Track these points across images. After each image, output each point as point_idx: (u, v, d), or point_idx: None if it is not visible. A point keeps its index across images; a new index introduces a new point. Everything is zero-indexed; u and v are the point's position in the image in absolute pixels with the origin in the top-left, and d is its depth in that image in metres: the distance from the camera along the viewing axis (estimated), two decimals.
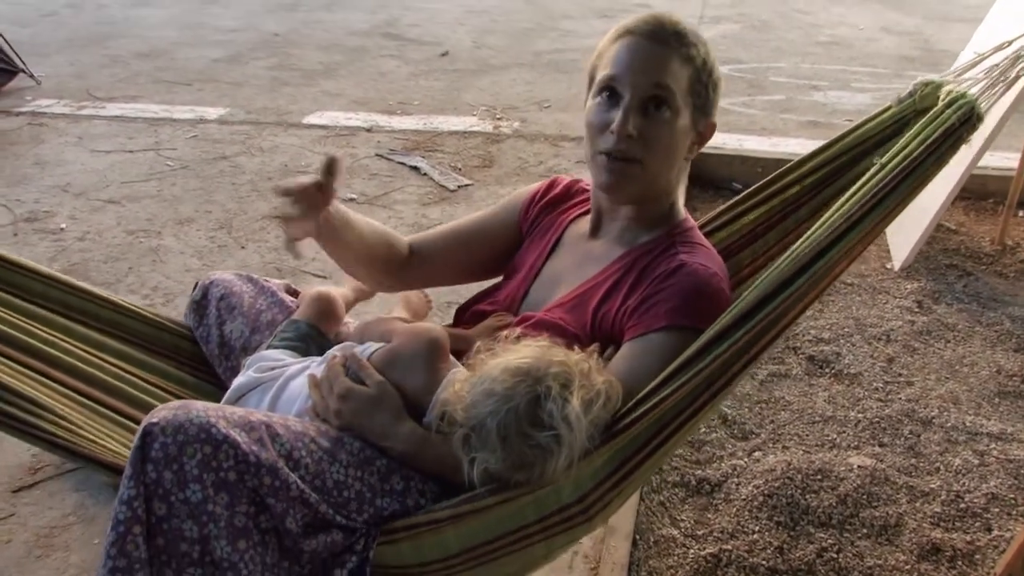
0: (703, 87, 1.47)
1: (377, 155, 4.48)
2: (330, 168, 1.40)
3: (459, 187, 4.07)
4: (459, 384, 1.30)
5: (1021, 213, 3.98)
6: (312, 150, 4.57)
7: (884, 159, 1.40)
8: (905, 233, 3.56)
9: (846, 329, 3.09)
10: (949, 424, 2.59)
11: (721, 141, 4.71)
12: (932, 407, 2.67)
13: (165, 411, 1.19)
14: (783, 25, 7.76)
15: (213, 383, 1.79)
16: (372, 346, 1.52)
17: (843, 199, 1.38)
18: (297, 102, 5.35)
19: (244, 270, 3.26)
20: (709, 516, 2.24)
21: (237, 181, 4.15)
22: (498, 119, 5.03)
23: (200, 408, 1.20)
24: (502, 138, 4.75)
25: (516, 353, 1.28)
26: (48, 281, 1.67)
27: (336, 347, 1.57)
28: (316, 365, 1.54)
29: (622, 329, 1.43)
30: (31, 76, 5.56)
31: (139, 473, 1.15)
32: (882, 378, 2.82)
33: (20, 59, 5.52)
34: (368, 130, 4.85)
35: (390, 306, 2.04)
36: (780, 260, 1.34)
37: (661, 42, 1.43)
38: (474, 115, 5.08)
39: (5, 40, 5.45)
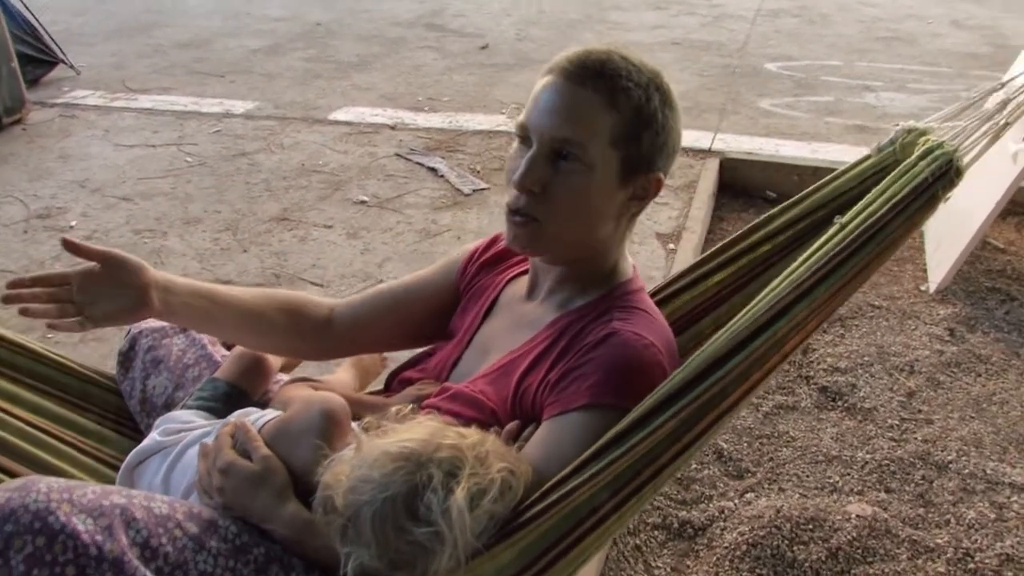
0: (636, 137, 1.27)
1: (396, 154, 4.38)
2: (72, 250, 1.33)
3: (474, 191, 3.94)
4: (340, 465, 1.15)
5: None
6: (333, 148, 4.49)
7: (845, 219, 1.24)
8: (944, 251, 3.32)
9: (866, 358, 2.87)
10: (967, 471, 2.37)
11: (757, 146, 4.49)
12: (950, 450, 2.45)
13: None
14: (843, 19, 7.41)
15: (138, 439, 1.64)
16: (268, 414, 1.38)
17: (794, 265, 1.22)
18: (326, 96, 5.29)
19: (243, 275, 3.23)
20: (688, 563, 2.08)
21: (251, 180, 4.10)
22: None
23: (43, 490, 1.07)
24: None
25: (403, 434, 1.13)
26: None
27: (235, 413, 1.45)
28: (217, 432, 1.41)
29: (542, 406, 1.27)
30: (71, 67, 5.61)
31: None
32: (899, 414, 2.60)
33: (60, 49, 5.58)
34: (392, 127, 4.75)
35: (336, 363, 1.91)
36: (716, 336, 1.18)
37: (579, 83, 1.24)
38: (502, 113, 4.95)
39: (45, 31, 5.50)
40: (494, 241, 1.57)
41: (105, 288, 1.35)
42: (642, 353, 1.24)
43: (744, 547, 2.08)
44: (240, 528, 1.21)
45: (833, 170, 1.47)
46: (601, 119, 1.24)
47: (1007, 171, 3.04)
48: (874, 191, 1.24)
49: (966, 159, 1.22)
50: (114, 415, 1.69)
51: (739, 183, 4.14)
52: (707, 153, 4.29)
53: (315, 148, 4.48)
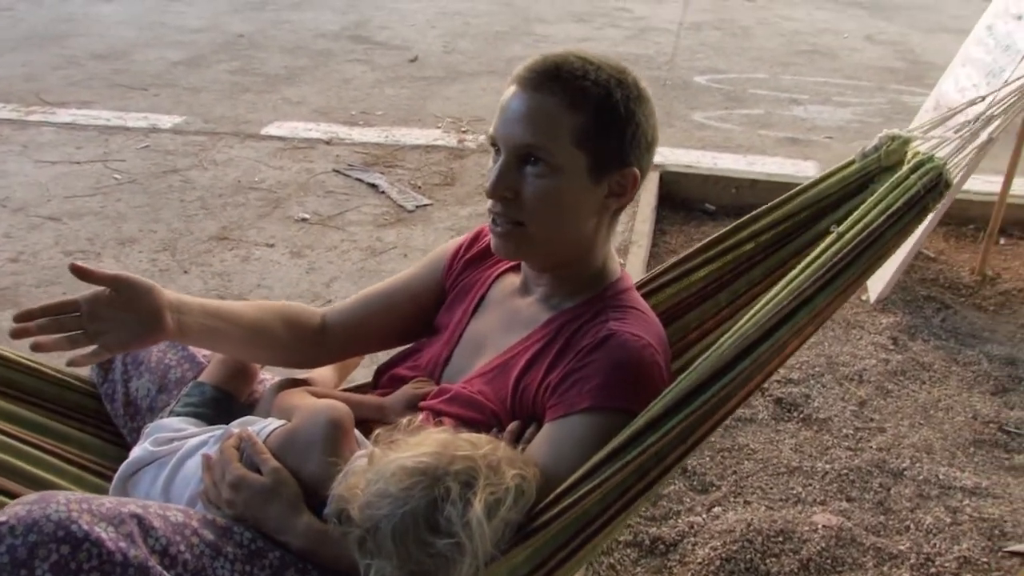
0: (601, 134, 1.29)
1: (334, 170, 4.30)
2: (80, 274, 1.30)
3: (417, 207, 3.89)
4: (354, 478, 1.18)
5: (1003, 241, 3.83)
6: (268, 164, 4.38)
7: (842, 228, 1.28)
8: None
9: (817, 368, 2.93)
10: (921, 477, 2.44)
11: (695, 159, 4.57)
12: (904, 457, 2.52)
13: (19, 506, 1.06)
14: (764, 32, 7.61)
15: (120, 444, 1.65)
16: (272, 424, 1.39)
17: (794, 273, 1.26)
18: (257, 110, 5.15)
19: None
20: None
21: (186, 198, 3.96)
22: (463, 132, 4.85)
23: (62, 501, 1.07)
24: (466, 153, 4.57)
25: (416, 447, 1.15)
26: None
27: (236, 422, 1.44)
28: (214, 441, 1.41)
29: (543, 406, 1.30)
30: None
31: None
32: (853, 424, 2.67)
33: None
34: (327, 142, 4.66)
35: None
36: (721, 341, 1.22)
37: (536, 89, 1.28)
38: (438, 127, 4.91)
39: None
40: (477, 237, 1.58)
41: (118, 313, 1.32)
42: (641, 354, 1.28)
43: (718, 562, 2.10)
44: (254, 534, 1.23)
45: (771, 183, 1.53)
46: (562, 121, 1.27)
47: None
48: (868, 202, 1.29)
49: (954, 171, 1.27)
50: (94, 420, 1.67)
51: (679, 196, 4.19)
52: None
53: (249, 164, 4.37)
